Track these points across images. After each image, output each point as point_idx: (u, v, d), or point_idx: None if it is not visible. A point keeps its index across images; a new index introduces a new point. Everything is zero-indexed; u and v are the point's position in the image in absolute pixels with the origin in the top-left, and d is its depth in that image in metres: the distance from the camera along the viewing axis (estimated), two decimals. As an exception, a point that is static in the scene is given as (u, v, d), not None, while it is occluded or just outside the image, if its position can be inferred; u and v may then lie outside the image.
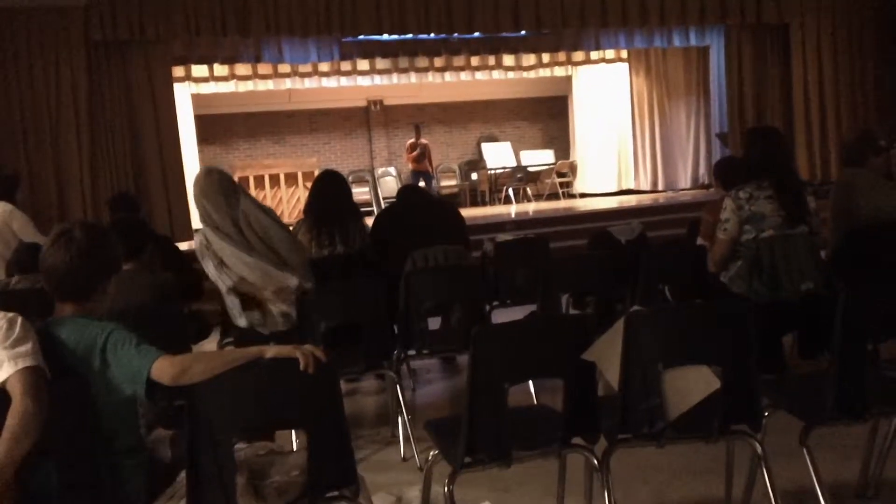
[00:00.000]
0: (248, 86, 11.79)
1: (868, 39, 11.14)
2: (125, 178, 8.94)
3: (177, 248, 5.31)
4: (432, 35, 10.09)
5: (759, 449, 2.52)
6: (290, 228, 4.61)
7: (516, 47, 11.53)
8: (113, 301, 2.33)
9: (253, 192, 11.70)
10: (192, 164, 10.88)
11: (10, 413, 1.93)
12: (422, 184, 12.07)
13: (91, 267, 2.17)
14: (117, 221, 4.13)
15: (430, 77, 12.59)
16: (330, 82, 12.19)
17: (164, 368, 2.04)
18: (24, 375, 1.96)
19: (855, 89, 11.11)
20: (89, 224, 2.27)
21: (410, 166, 12.70)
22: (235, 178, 11.45)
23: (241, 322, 3.70)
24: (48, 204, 8.56)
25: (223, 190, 3.69)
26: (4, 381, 1.97)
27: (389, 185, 14.01)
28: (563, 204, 12.81)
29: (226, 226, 3.64)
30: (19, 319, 2.06)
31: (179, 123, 9.80)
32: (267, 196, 11.80)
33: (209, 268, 3.68)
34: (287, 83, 11.97)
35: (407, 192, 5.37)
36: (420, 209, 4.90)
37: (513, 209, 12.44)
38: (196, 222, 10.67)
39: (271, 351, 2.11)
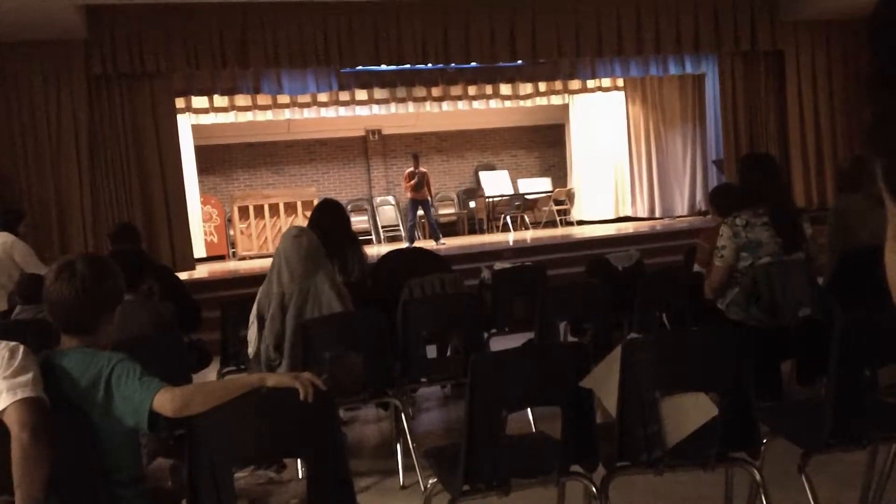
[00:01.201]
0: (247, 116, 11.88)
1: (862, 65, 11.25)
2: (127, 208, 8.98)
3: (177, 278, 5.32)
4: (429, 65, 10.20)
5: (757, 476, 2.52)
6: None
7: (513, 76, 11.65)
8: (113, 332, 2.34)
9: (252, 221, 11.76)
10: (191, 194, 10.94)
11: (12, 453, 1.93)
12: (420, 212, 12.12)
13: (96, 301, 2.18)
14: (116, 253, 4.15)
15: (428, 106, 12.69)
16: (328, 112, 12.30)
17: (165, 401, 2.04)
18: (21, 407, 1.95)
19: (850, 115, 11.20)
20: (91, 257, 2.28)
21: (408, 195, 12.76)
22: (235, 208, 11.64)
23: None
24: (49, 234, 8.59)
25: (306, 259, 3.70)
26: (2, 412, 1.97)
27: (388, 213, 14.07)
28: (560, 231, 12.86)
29: (291, 295, 3.67)
30: (21, 349, 2.07)
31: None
32: (266, 226, 11.85)
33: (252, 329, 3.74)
34: (286, 113, 12.08)
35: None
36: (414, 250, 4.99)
37: (510, 237, 12.48)
38: (198, 251, 10.81)
39: (271, 380, 2.12)
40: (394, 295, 4.45)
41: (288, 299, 3.68)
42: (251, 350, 3.77)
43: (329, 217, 4.59)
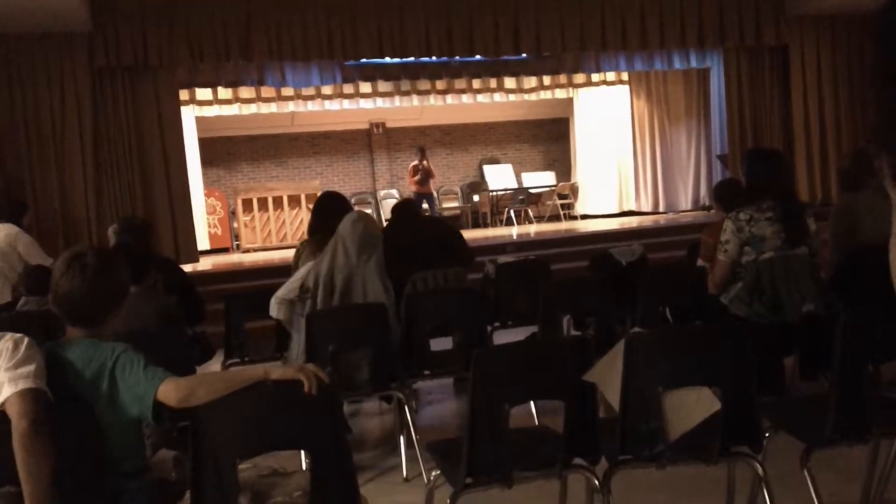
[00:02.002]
0: (251, 109, 11.88)
1: (867, 60, 11.21)
2: (130, 201, 9.00)
3: (181, 271, 5.33)
4: (434, 58, 10.19)
5: (759, 470, 2.53)
6: (296, 249, 4.66)
7: (517, 70, 11.62)
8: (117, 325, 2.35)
9: (256, 214, 11.77)
10: (195, 187, 10.96)
11: (14, 446, 1.93)
12: (424, 206, 12.12)
13: (106, 293, 2.19)
14: (122, 245, 4.16)
15: (432, 100, 12.69)
16: (332, 105, 12.29)
17: (169, 391, 2.05)
18: (21, 398, 1.95)
19: (855, 110, 11.16)
20: (100, 249, 2.29)
21: (413, 189, 12.76)
22: (238, 201, 11.64)
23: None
24: (53, 226, 8.62)
25: (361, 244, 3.81)
26: (4, 403, 1.97)
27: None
28: (564, 226, 12.85)
29: (340, 274, 3.75)
30: (26, 340, 2.07)
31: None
32: (270, 218, 11.85)
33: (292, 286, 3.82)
34: (290, 106, 12.07)
35: (402, 211, 5.39)
36: (418, 230, 4.87)
37: (514, 231, 12.47)
38: (202, 244, 10.82)
39: (275, 372, 2.12)
40: (398, 287, 4.44)
41: (336, 277, 3.75)
42: (277, 295, 3.85)
43: (332, 209, 4.57)
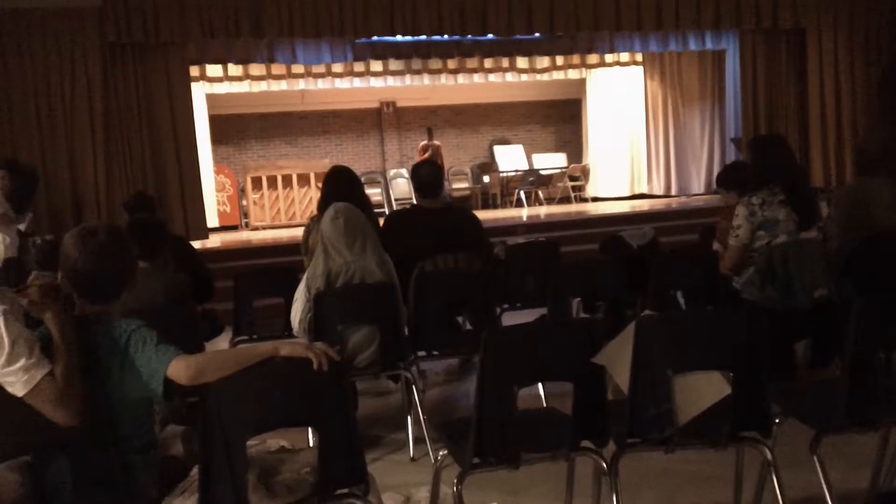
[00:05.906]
0: (261, 86, 11.84)
1: (885, 44, 11.09)
2: (141, 178, 9.01)
3: (191, 247, 5.34)
4: (445, 37, 10.11)
5: (768, 456, 2.51)
6: (305, 227, 4.63)
7: (530, 50, 11.53)
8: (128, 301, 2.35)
9: (265, 192, 11.76)
10: (205, 164, 10.96)
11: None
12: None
13: (123, 271, 2.21)
14: (134, 221, 4.17)
15: (443, 79, 12.61)
16: (343, 83, 12.23)
17: (180, 369, 2.06)
18: (37, 393, 1.97)
19: (871, 94, 11.04)
20: (112, 227, 2.28)
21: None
22: (248, 179, 11.61)
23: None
24: (63, 203, 8.63)
25: (348, 238, 3.72)
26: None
27: (401, 186, 14.03)
28: (574, 208, 12.81)
29: (339, 274, 3.70)
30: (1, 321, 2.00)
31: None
32: (279, 197, 11.86)
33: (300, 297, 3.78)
34: (300, 84, 12.02)
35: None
36: (433, 217, 4.63)
37: (524, 213, 12.44)
38: (211, 221, 10.83)
39: (285, 349, 2.12)
40: (407, 270, 4.42)
41: (335, 277, 3.69)
42: (295, 325, 3.79)
43: (342, 185, 4.53)
